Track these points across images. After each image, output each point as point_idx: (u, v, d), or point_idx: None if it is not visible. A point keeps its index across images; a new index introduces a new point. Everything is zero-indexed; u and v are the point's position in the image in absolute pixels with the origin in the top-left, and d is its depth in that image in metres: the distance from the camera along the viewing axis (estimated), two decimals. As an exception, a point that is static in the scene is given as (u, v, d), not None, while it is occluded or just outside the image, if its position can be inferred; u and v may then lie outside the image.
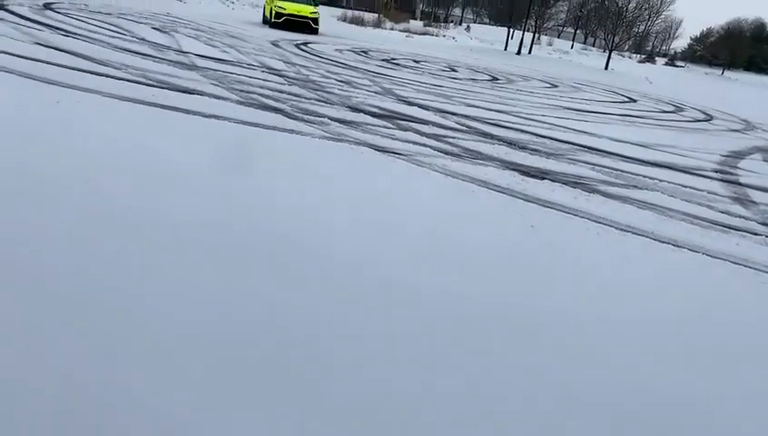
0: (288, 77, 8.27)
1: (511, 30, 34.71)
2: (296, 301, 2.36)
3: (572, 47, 51.57)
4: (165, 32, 11.73)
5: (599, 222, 3.96)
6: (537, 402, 1.98)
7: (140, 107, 5.09)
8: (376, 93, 8.12)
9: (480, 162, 5.09)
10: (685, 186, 5.40)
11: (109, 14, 13.87)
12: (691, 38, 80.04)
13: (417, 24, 45.45)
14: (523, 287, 2.85)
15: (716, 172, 6.37)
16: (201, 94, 6.03)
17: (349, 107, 6.60)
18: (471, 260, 3.08)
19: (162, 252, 2.60)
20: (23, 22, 9.59)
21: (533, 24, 32.95)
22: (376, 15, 40.49)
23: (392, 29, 36.56)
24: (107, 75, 6.19)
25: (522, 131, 6.95)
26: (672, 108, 13.44)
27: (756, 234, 4.29)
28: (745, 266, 3.61)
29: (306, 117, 5.71)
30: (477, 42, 37.46)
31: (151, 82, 6.21)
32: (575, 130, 7.66)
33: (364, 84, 8.82)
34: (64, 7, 13.59)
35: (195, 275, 2.44)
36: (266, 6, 21.78)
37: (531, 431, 1.85)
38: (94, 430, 1.59)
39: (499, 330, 2.41)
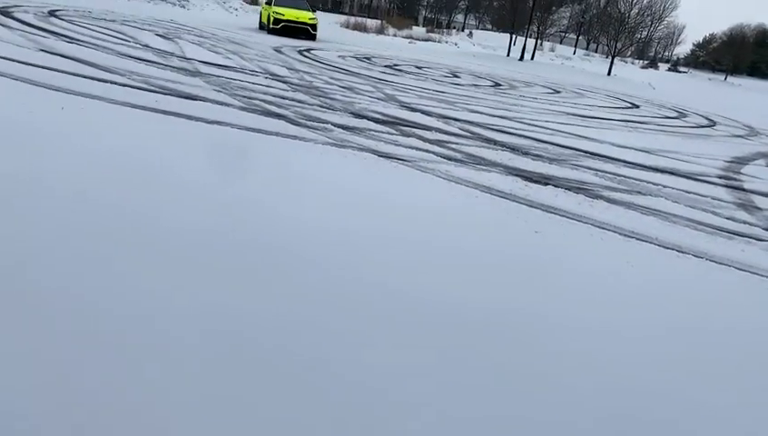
0: (291, 83, 8.29)
1: (514, 36, 34.77)
2: (297, 309, 2.35)
3: (574, 53, 51.64)
4: (169, 38, 11.78)
5: (603, 228, 3.95)
6: (539, 407, 1.97)
7: (143, 113, 5.10)
8: (379, 99, 8.13)
9: (483, 167, 5.08)
10: (689, 192, 5.38)
11: (113, 20, 13.93)
12: (694, 44, 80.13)
13: (419, 30, 45.54)
14: (527, 293, 2.84)
15: (720, 177, 6.35)
16: (204, 100, 6.04)
17: (352, 113, 6.61)
18: (476, 266, 3.07)
19: (162, 260, 2.59)
20: (28, 29, 9.64)
21: (535, 30, 33.02)
22: (378, 22, 40.65)
23: (395, 35, 36.67)
24: (111, 82, 6.21)
25: (525, 136, 6.94)
26: (675, 114, 13.43)
27: (761, 240, 4.27)
28: (751, 272, 3.59)
29: (309, 123, 5.72)
30: (480, 48, 37.53)
31: (154, 88, 6.23)
32: (578, 135, 7.65)
33: (367, 91, 8.83)
34: (69, 14, 13.66)
35: (190, 284, 2.43)
36: (263, 13, 21.69)
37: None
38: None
39: (503, 336, 2.40)
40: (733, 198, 5.47)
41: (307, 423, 1.75)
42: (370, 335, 2.24)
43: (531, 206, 4.19)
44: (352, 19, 39.16)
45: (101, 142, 4.14)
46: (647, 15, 35.81)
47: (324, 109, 6.63)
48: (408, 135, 5.89)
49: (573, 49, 56.26)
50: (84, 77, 6.25)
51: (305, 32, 19.20)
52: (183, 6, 29.12)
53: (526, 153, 5.95)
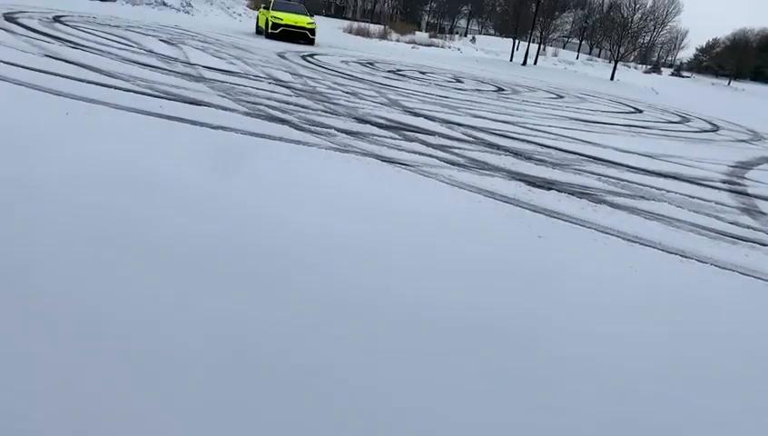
0: (295, 89, 8.32)
1: (516, 41, 34.83)
2: (300, 314, 2.36)
3: (577, 58, 51.70)
4: (173, 44, 11.83)
5: (606, 233, 3.94)
6: (542, 411, 1.97)
7: (148, 118, 5.12)
8: (382, 104, 8.15)
9: (487, 172, 5.09)
10: (693, 197, 5.38)
11: (117, 26, 14.00)
12: (697, 49, 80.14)
13: (422, 35, 45.68)
14: (531, 297, 2.84)
15: (724, 182, 6.35)
16: (208, 105, 6.07)
17: (355, 118, 6.62)
18: (479, 270, 3.07)
19: (166, 265, 2.60)
20: (32, 34, 9.69)
21: (538, 35, 33.10)
22: (381, 27, 40.76)
23: (398, 41, 36.77)
24: (115, 87, 6.24)
25: (528, 141, 6.95)
26: (678, 118, 13.42)
27: (765, 245, 4.26)
28: (754, 277, 3.58)
29: (313, 128, 5.73)
30: (483, 53, 37.60)
31: (159, 93, 6.26)
32: (581, 140, 7.66)
33: (370, 96, 8.85)
34: (73, 20, 13.74)
35: (194, 288, 2.44)
36: (260, 17, 21.53)
37: (540, 443, 1.84)
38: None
39: (507, 340, 2.40)
40: (736, 203, 5.46)
41: (310, 428, 1.75)
42: (373, 340, 2.24)
43: (534, 211, 4.19)
44: (355, 24, 39.28)
45: (105, 147, 4.16)
46: (650, 20, 35.90)
47: (328, 114, 6.65)
48: (412, 140, 5.90)
49: (576, 54, 56.32)
50: (89, 82, 6.28)
51: (304, 36, 19.15)
52: (187, 12, 29.27)
53: (529, 158, 5.96)
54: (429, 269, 2.98)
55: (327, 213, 3.54)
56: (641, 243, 3.84)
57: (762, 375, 2.49)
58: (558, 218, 4.12)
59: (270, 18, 19.21)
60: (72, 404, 1.68)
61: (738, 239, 4.31)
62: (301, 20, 19.30)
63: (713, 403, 2.20)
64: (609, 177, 5.66)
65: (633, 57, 49.71)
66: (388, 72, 13.69)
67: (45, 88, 5.62)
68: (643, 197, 5.08)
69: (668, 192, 5.42)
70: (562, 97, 14.40)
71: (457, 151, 5.77)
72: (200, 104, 6.03)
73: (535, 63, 31.51)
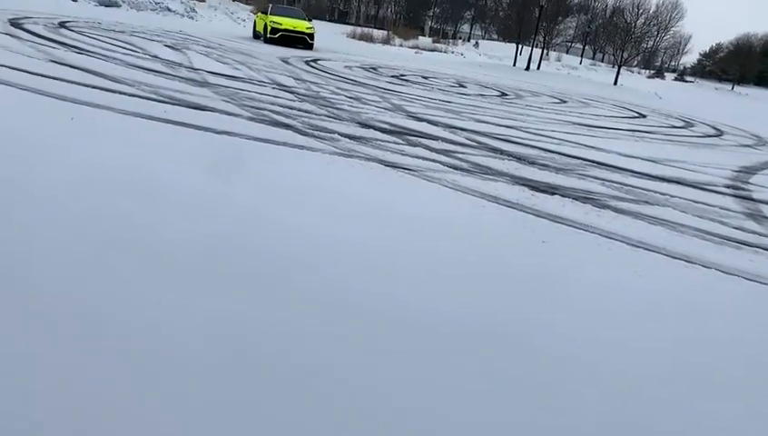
0: (298, 94, 8.34)
1: (520, 46, 34.86)
2: (302, 317, 2.36)
3: (581, 63, 51.72)
4: (177, 49, 11.88)
5: (610, 238, 3.94)
6: (544, 414, 1.96)
7: (152, 123, 5.14)
8: (385, 109, 8.16)
9: (490, 177, 5.09)
10: (697, 202, 5.37)
11: (122, 32, 14.07)
12: (700, 53, 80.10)
13: (425, 40, 45.78)
14: (534, 302, 2.83)
15: (728, 187, 6.33)
16: (212, 110, 6.09)
17: (358, 123, 6.63)
18: (482, 275, 3.07)
19: (170, 268, 2.61)
20: (38, 40, 9.74)
21: (541, 39, 33.10)
22: (385, 32, 40.88)
23: (401, 46, 36.86)
24: (120, 92, 6.27)
25: (531, 146, 6.95)
26: (682, 123, 13.40)
27: (770, 250, 4.25)
28: (759, 282, 3.57)
29: (316, 133, 5.75)
30: (486, 58, 37.65)
31: (163, 98, 6.28)
32: (584, 145, 7.65)
33: (374, 101, 8.87)
34: (79, 26, 13.81)
35: (198, 291, 2.44)
36: (257, 22, 21.35)
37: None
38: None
39: (510, 344, 2.40)
40: (741, 208, 5.45)
41: (310, 428, 1.75)
42: (376, 343, 2.24)
43: (538, 216, 4.19)
44: (358, 30, 39.38)
45: (110, 151, 4.18)
46: (653, 25, 35.90)
47: (331, 119, 6.66)
48: (415, 145, 5.91)
49: (579, 59, 56.35)
50: (94, 87, 6.31)
51: (302, 41, 19.05)
52: (192, 17, 29.38)
53: (532, 163, 5.96)
54: (433, 273, 2.98)
55: (330, 218, 3.55)
56: (645, 248, 3.84)
57: (765, 381, 2.47)
58: (562, 223, 4.11)
59: (268, 23, 19.09)
60: (75, 404, 1.69)
61: (743, 244, 4.30)
62: (300, 25, 19.24)
63: (717, 409, 2.19)
64: (613, 182, 5.65)
65: (636, 62, 49.68)
66: (392, 77, 13.72)
67: (50, 93, 5.65)
68: (647, 202, 5.07)
69: (672, 196, 5.41)
70: (565, 102, 14.40)
71: (460, 155, 5.77)
72: (204, 109, 6.05)
73: (538, 67, 31.52)
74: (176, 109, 5.85)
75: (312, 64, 13.82)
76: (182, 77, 8.05)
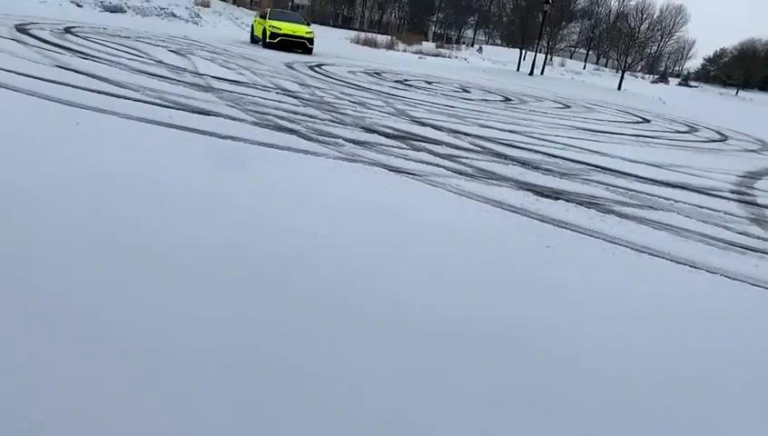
0: (302, 99, 8.36)
1: (523, 51, 34.89)
2: (305, 320, 2.36)
3: (584, 68, 51.74)
4: (182, 54, 11.93)
5: (615, 243, 3.93)
6: (547, 420, 1.96)
7: (157, 128, 5.16)
8: (389, 114, 8.18)
9: (494, 182, 5.09)
10: (702, 207, 5.36)
11: (127, 37, 14.14)
12: (704, 58, 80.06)
13: (429, 45, 45.86)
14: (539, 307, 2.83)
15: (733, 192, 6.32)
16: (217, 115, 6.11)
17: (362, 128, 6.65)
18: (486, 280, 3.06)
19: (176, 273, 2.61)
20: (44, 45, 9.80)
21: (545, 45, 33.12)
22: (388, 37, 40.94)
23: (405, 51, 36.93)
24: (125, 97, 6.30)
25: (536, 151, 6.95)
26: (686, 128, 13.38)
27: (775, 255, 4.23)
28: (765, 288, 3.56)
29: (320, 138, 5.76)
30: (490, 63, 37.71)
31: (168, 103, 6.31)
32: (588, 150, 7.65)
33: (377, 105, 8.89)
34: (84, 31, 13.88)
35: (204, 296, 2.45)
36: (255, 26, 21.22)
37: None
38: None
39: (514, 349, 2.39)
40: (746, 213, 5.43)
41: (312, 431, 1.75)
42: (379, 347, 2.24)
43: (542, 221, 4.18)
44: (362, 35, 39.47)
45: (115, 156, 4.19)
46: (657, 30, 35.94)
47: (335, 124, 6.67)
48: (419, 150, 5.91)
49: (583, 64, 56.39)
50: (99, 92, 6.34)
51: (302, 46, 18.99)
52: (196, 23, 29.51)
53: (536, 168, 5.96)
54: (437, 278, 2.98)
55: (334, 223, 3.55)
56: (650, 254, 3.83)
57: (773, 387, 2.46)
58: (566, 228, 4.11)
59: (267, 28, 19.01)
60: (76, 404, 1.69)
61: (748, 249, 4.28)
62: (300, 29, 19.16)
63: (722, 414, 2.18)
64: (617, 187, 5.65)
65: (640, 67, 49.68)
66: (396, 82, 13.75)
67: (56, 98, 5.68)
68: (651, 207, 5.06)
69: (677, 201, 5.39)
70: (569, 107, 14.40)
71: (464, 160, 5.77)
72: (208, 114, 6.07)
73: (542, 73, 31.53)
74: (181, 114, 5.87)
75: (316, 68, 13.86)
76: (186, 82, 8.09)
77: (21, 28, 11.84)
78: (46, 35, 11.37)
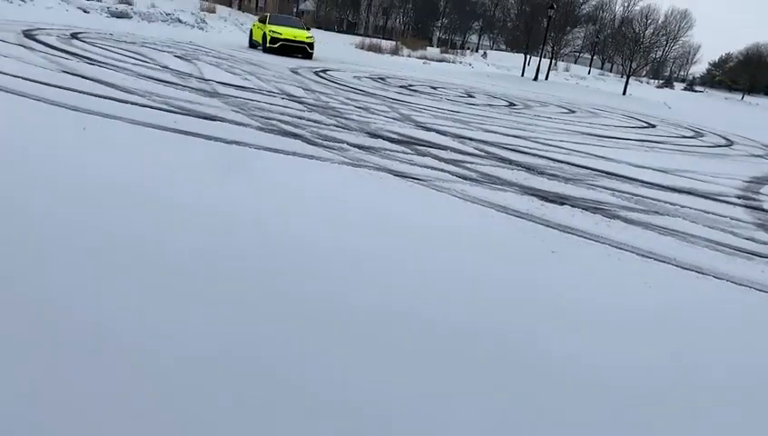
0: (307, 104, 8.38)
1: (528, 56, 34.91)
2: (305, 327, 2.36)
3: (589, 73, 51.72)
4: (187, 60, 11.98)
5: (620, 248, 3.92)
6: (551, 427, 1.95)
7: (163, 133, 5.18)
8: (394, 119, 8.18)
9: (499, 187, 5.08)
10: (708, 212, 5.33)
11: (133, 42, 14.20)
12: (709, 63, 79.96)
13: (433, 50, 45.93)
14: (544, 313, 2.82)
15: (739, 197, 6.29)
16: (222, 120, 6.12)
17: (367, 133, 6.65)
18: (491, 285, 3.06)
19: (178, 279, 2.61)
20: (51, 51, 9.86)
21: (549, 50, 33.13)
22: (393, 43, 41.03)
23: (409, 56, 36.99)
24: (131, 102, 6.32)
25: (540, 156, 6.94)
26: (691, 133, 13.34)
27: (782, 261, 4.21)
28: (772, 294, 3.54)
29: (325, 143, 5.77)
30: (494, 68, 37.72)
31: (173, 109, 6.33)
32: (593, 155, 7.63)
33: (382, 111, 8.90)
34: (90, 37, 13.96)
35: (206, 306, 2.45)
36: (254, 31, 21.10)
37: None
38: None
39: (518, 356, 2.38)
40: (752, 218, 5.41)
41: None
42: (383, 353, 2.24)
43: (548, 226, 4.17)
44: (367, 40, 39.54)
45: (121, 161, 4.21)
46: (662, 35, 35.90)
47: (340, 129, 6.68)
48: (424, 155, 5.91)
49: (587, 69, 56.36)
50: (105, 98, 6.37)
51: (302, 50, 18.95)
52: (202, 28, 29.62)
53: (541, 173, 5.95)
54: (440, 283, 2.97)
55: (339, 228, 3.55)
56: (655, 259, 3.81)
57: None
58: (572, 233, 4.10)
59: (268, 32, 18.94)
60: (76, 404, 1.69)
61: (754, 255, 4.26)
62: (300, 34, 19.13)
63: (727, 420, 2.17)
64: (623, 192, 5.63)
65: (645, 72, 49.62)
66: (400, 87, 13.77)
67: (63, 103, 5.71)
68: (657, 212, 5.05)
69: (683, 207, 5.38)
70: (574, 112, 14.38)
71: (469, 165, 5.77)
72: (214, 119, 6.09)
73: (546, 78, 31.52)
74: (186, 119, 5.89)
75: (321, 74, 13.90)
76: (192, 88, 8.12)
77: (28, 34, 11.92)
78: (53, 41, 11.44)
